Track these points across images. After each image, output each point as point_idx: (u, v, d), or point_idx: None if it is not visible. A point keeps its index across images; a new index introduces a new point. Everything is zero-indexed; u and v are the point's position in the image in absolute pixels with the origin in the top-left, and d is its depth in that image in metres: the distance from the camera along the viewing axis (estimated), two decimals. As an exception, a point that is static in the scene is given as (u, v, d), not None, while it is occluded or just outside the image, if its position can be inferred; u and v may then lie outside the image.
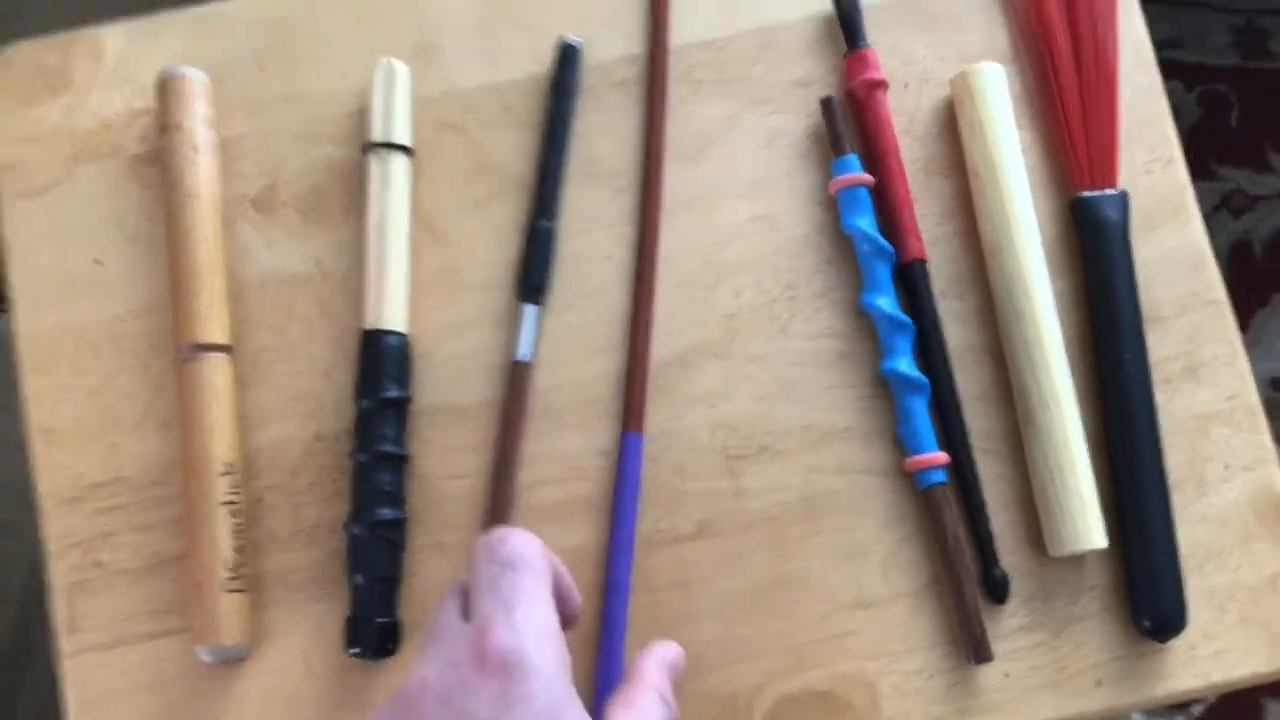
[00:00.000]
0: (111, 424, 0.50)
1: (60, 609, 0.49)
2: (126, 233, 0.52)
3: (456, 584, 0.39)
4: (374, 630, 0.47)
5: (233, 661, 0.48)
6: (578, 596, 0.40)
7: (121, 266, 0.51)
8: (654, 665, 0.39)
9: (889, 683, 0.48)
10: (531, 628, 0.34)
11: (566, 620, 0.40)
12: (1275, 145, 1.22)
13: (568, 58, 0.52)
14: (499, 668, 0.33)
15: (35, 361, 0.51)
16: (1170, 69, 1.24)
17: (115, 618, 0.49)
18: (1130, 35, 0.53)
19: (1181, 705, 1.10)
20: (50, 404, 0.50)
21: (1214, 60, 1.25)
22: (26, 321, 0.51)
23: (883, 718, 0.48)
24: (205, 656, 0.48)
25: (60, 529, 0.50)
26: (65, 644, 0.49)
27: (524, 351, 0.50)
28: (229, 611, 0.47)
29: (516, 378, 0.50)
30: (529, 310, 0.50)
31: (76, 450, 0.50)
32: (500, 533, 0.37)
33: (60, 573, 0.49)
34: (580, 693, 0.48)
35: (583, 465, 0.50)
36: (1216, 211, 1.19)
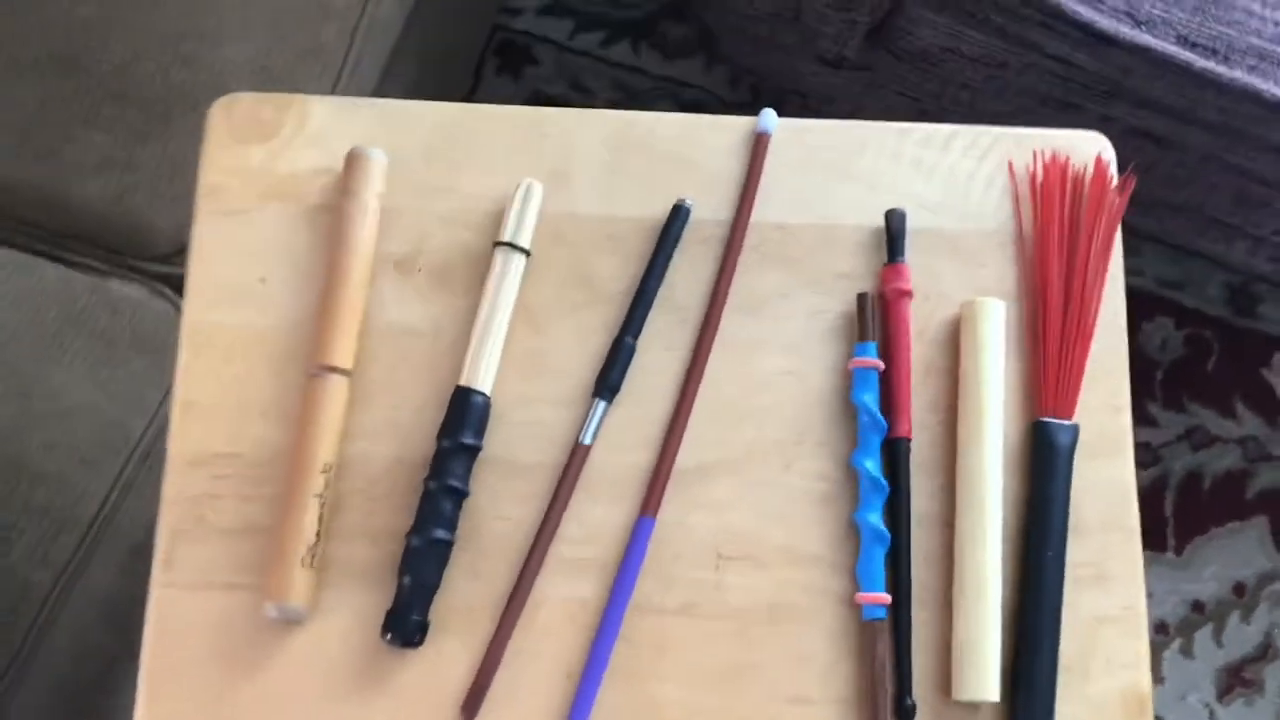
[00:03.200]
0: (241, 410, 0.62)
1: (162, 547, 0.60)
2: (291, 263, 0.64)
3: None
4: (409, 623, 0.59)
5: (290, 622, 0.60)
6: None
7: (281, 288, 0.64)
8: None
9: (804, 768, 0.59)
10: None
11: None
12: (1244, 397, 1.36)
13: (679, 215, 0.65)
14: None
15: (193, 345, 0.63)
16: (1166, 307, 1.38)
17: (204, 565, 0.60)
18: (1111, 301, 0.66)
19: None
20: (197, 381, 0.62)
21: (1206, 309, 1.39)
22: (194, 313, 0.63)
23: (792, 794, 0.59)
24: (271, 612, 0.59)
25: (179, 484, 0.61)
26: (159, 575, 0.60)
27: (588, 437, 0.62)
28: (300, 581, 0.58)
29: (576, 457, 0.62)
30: (600, 405, 0.62)
31: (208, 423, 0.62)
32: None
33: (170, 517, 0.61)
34: (559, 715, 0.59)
35: (601, 533, 0.62)
36: (1179, 440, 1.32)
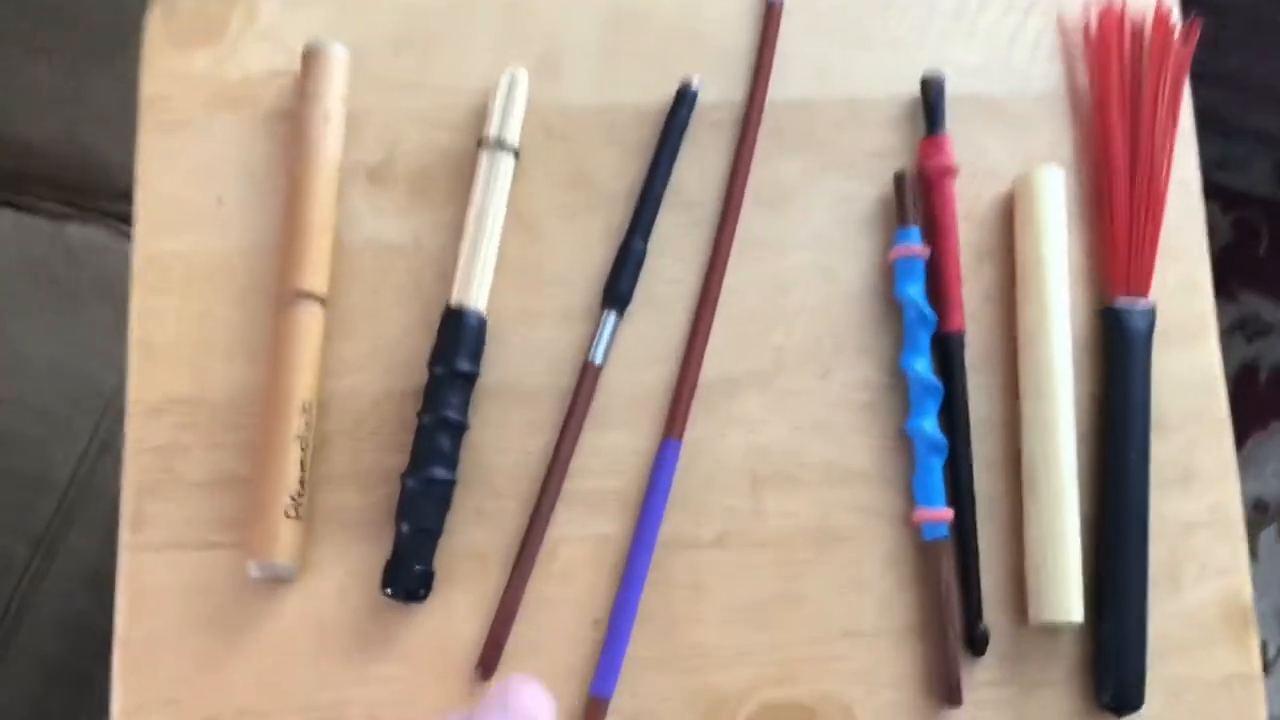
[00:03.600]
0: (205, 349, 0.55)
1: (129, 506, 0.54)
2: (249, 179, 0.57)
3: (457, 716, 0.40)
4: (411, 574, 0.52)
5: (277, 581, 0.53)
6: None
7: (240, 208, 0.56)
8: None
9: (864, 708, 0.53)
10: None
11: None
12: (1299, 282, 1.28)
13: (685, 99, 0.57)
14: None
15: (147, 280, 0.56)
16: (1210, 190, 1.29)
17: (177, 523, 0.54)
18: (1183, 163, 0.58)
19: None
20: (155, 320, 0.55)
21: (1253, 189, 1.30)
22: (145, 242, 0.56)
23: (853, 739, 0.53)
24: (255, 572, 0.52)
25: (141, 433, 0.54)
26: (128, 537, 0.53)
27: (598, 355, 0.55)
28: (285, 533, 0.52)
29: (586, 378, 0.54)
30: (610, 317, 0.55)
31: (169, 366, 0.55)
32: (516, 684, 0.38)
33: (134, 472, 0.54)
34: (584, 671, 0.52)
35: (621, 462, 0.55)
36: (1231, 332, 1.25)
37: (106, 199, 0.83)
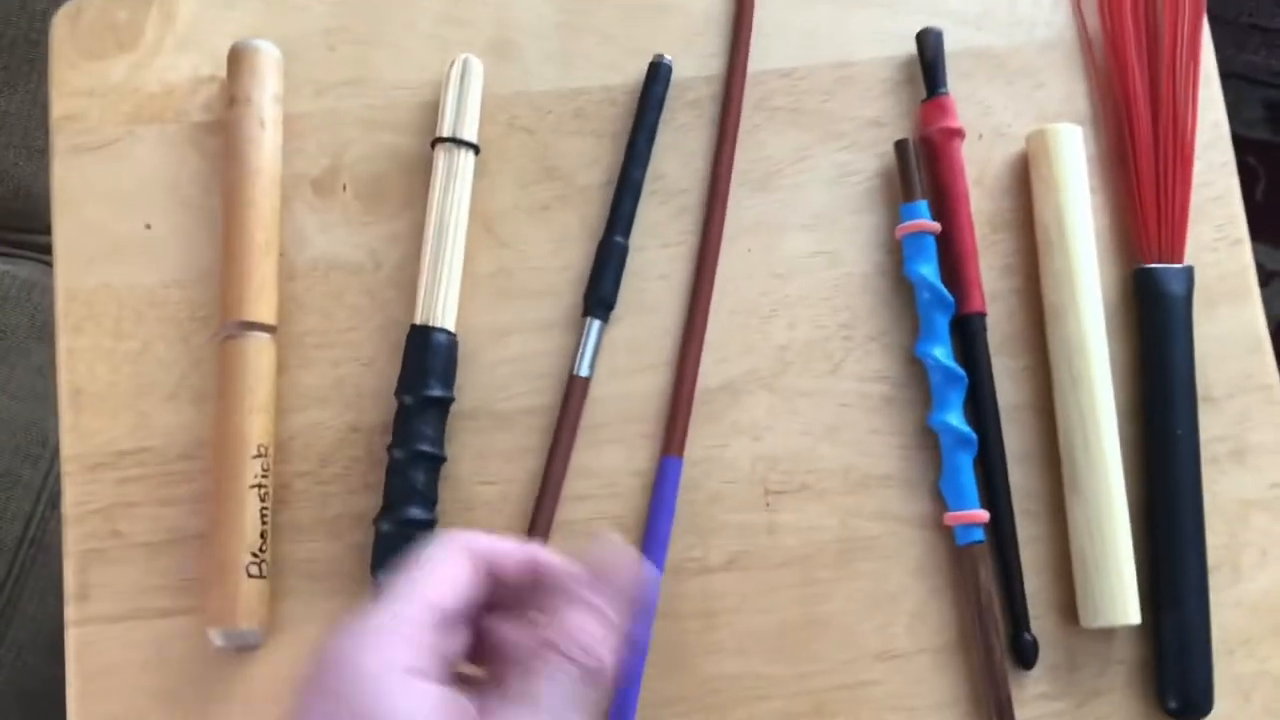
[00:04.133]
0: (144, 392, 0.49)
1: (71, 576, 0.48)
2: (180, 200, 0.51)
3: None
4: (393, 631, 0.46)
5: (244, 648, 0.47)
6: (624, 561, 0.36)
7: (171, 233, 0.50)
8: (567, 616, 0.34)
9: (906, 736, 0.48)
10: (372, 621, 0.33)
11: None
12: (1301, 226, 1.23)
13: (659, 75, 0.51)
14: (318, 666, 0.32)
15: (73, 320, 0.50)
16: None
17: (128, 590, 0.48)
18: (1209, 109, 0.53)
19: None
20: (85, 365, 0.49)
21: (1245, 132, 1.25)
22: (68, 277, 0.50)
23: (897, 771, 0.48)
24: (218, 640, 0.47)
25: (80, 494, 0.49)
26: (73, 612, 0.48)
27: (583, 368, 0.49)
28: (248, 596, 0.46)
29: (573, 393, 0.49)
30: (594, 325, 0.50)
31: (106, 415, 0.49)
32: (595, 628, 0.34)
33: (75, 539, 0.48)
34: (594, 714, 0.47)
35: (618, 484, 0.49)
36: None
37: (33, 232, 0.77)
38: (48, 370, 0.72)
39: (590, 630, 0.34)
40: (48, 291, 0.74)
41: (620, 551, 0.35)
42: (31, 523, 0.71)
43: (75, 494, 0.49)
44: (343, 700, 0.31)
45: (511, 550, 0.36)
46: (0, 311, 0.72)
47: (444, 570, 0.35)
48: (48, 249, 0.77)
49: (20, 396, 0.71)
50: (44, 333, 0.73)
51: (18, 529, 0.70)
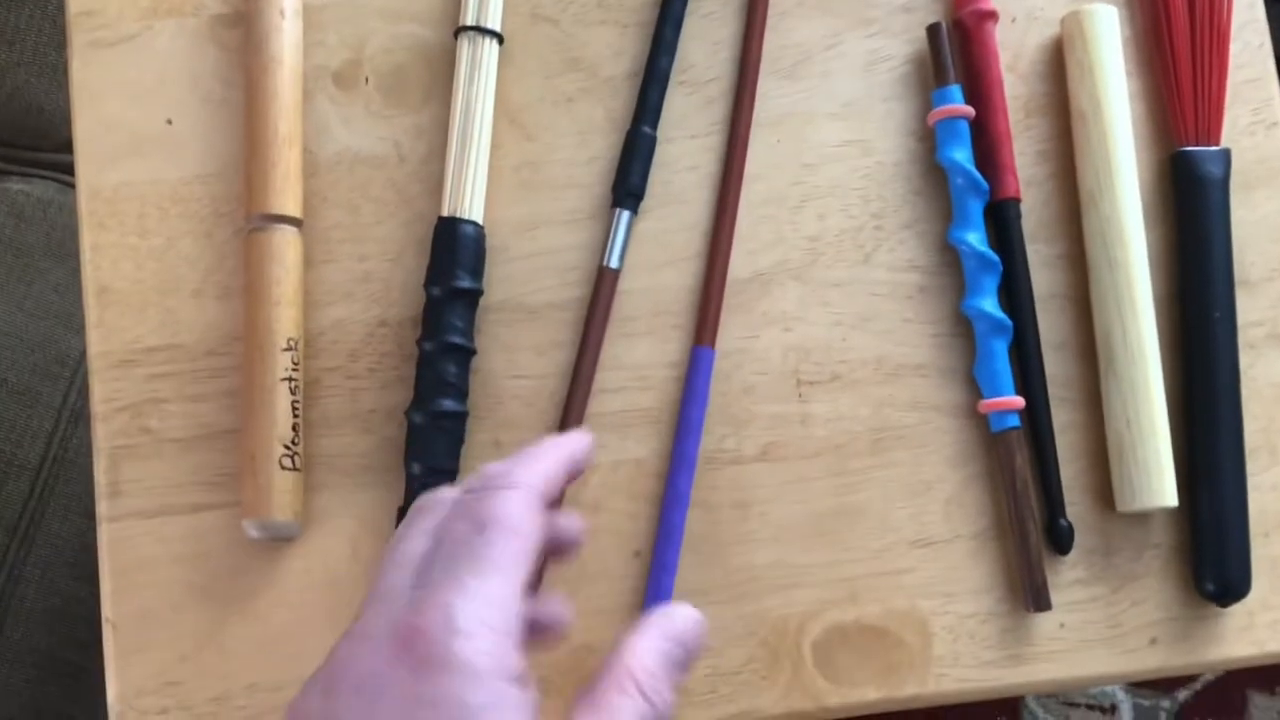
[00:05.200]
0: (171, 288, 0.49)
1: (102, 473, 0.48)
2: (200, 94, 0.50)
3: (428, 503, 0.33)
4: (428, 522, 0.46)
5: (279, 540, 0.47)
6: (578, 530, 0.36)
7: (192, 128, 0.50)
8: (643, 650, 0.30)
9: (942, 623, 0.48)
10: (475, 614, 0.28)
11: (563, 551, 0.35)
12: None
13: (684, -46, 0.50)
14: (419, 660, 0.28)
15: (96, 217, 0.49)
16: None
17: (160, 486, 0.48)
18: (1245, -8, 0.52)
19: (1167, 689, 1.11)
20: (110, 262, 0.49)
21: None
22: (89, 175, 0.49)
23: (933, 657, 0.48)
24: (253, 532, 0.46)
25: (109, 391, 0.48)
26: (105, 508, 0.48)
27: (614, 259, 0.49)
28: (283, 488, 0.46)
29: (603, 285, 0.48)
30: (623, 216, 0.49)
31: (132, 312, 0.49)
32: (486, 479, 0.30)
33: (105, 435, 0.48)
34: (629, 607, 0.47)
35: (649, 376, 0.49)
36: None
37: (47, 149, 0.76)
38: (65, 289, 0.72)
39: (663, 675, 0.30)
40: (64, 209, 0.73)
41: (688, 617, 0.32)
42: (53, 440, 0.70)
43: (103, 391, 0.48)
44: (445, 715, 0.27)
45: (558, 477, 0.33)
46: (16, 230, 0.71)
47: (529, 533, 0.31)
48: (62, 167, 0.77)
49: (38, 315, 0.71)
50: (60, 251, 0.72)
51: (39, 447, 0.70)
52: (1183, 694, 1.11)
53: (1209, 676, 1.10)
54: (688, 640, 0.31)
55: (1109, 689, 1.10)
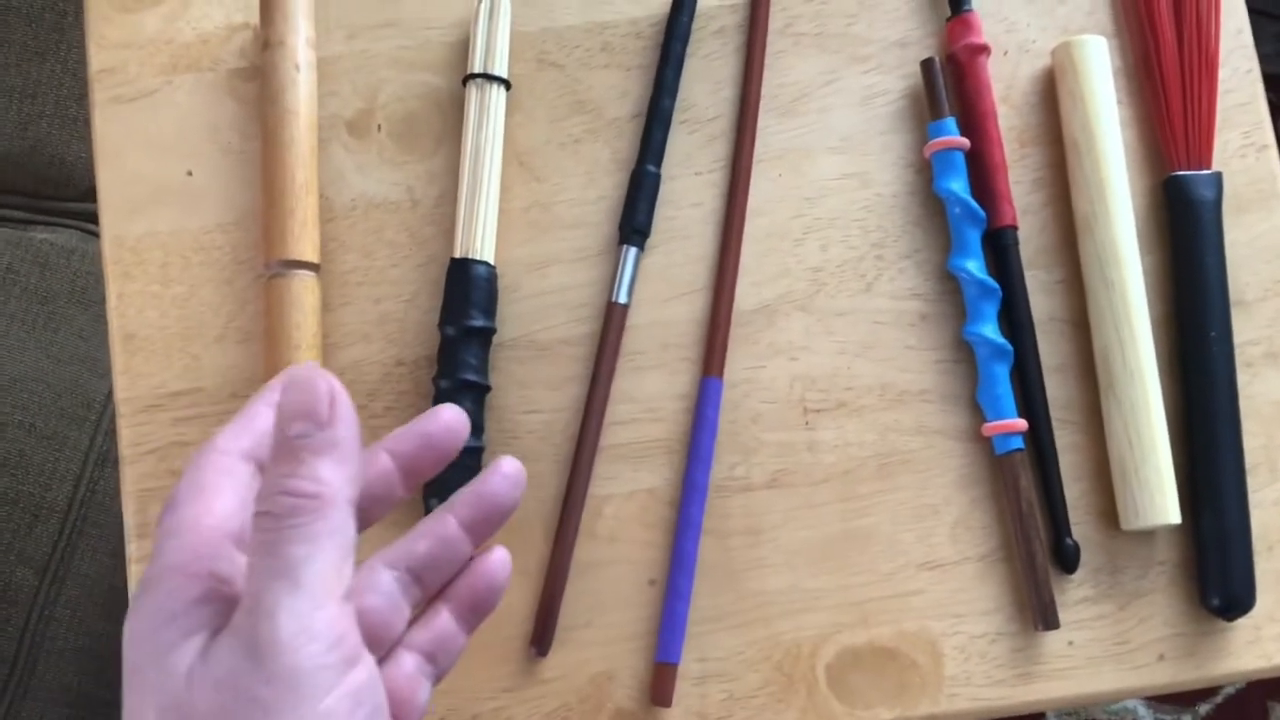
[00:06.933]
0: (194, 335, 0.50)
1: (131, 515, 0.49)
2: (219, 146, 0.52)
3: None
4: (447, 556, 0.47)
5: (303, 578, 0.49)
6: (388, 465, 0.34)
7: (212, 179, 0.51)
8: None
9: (952, 644, 0.49)
10: (302, 618, 0.27)
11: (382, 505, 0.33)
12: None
13: (684, 4, 0.52)
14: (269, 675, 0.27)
15: (121, 267, 0.51)
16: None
17: (187, 527, 0.49)
18: (1232, 16, 0.53)
19: (1188, 703, 1.11)
20: (135, 310, 0.50)
21: (1263, 66, 1.25)
22: (113, 227, 0.51)
23: (945, 677, 0.48)
24: (277, 571, 0.48)
25: (136, 435, 0.50)
26: (135, 549, 0.49)
27: (622, 295, 0.50)
28: (305, 527, 0.47)
29: (612, 320, 0.50)
30: (630, 253, 0.50)
31: (157, 358, 0.50)
32: (290, 468, 0.28)
33: (133, 478, 0.50)
34: (646, 635, 0.48)
35: (660, 408, 0.50)
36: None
37: (68, 199, 0.78)
38: (89, 334, 0.74)
39: (289, 469, 0.28)
40: (86, 257, 0.75)
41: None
42: (81, 483, 0.72)
43: (130, 435, 0.50)
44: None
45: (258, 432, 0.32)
46: (41, 278, 0.73)
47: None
48: (84, 216, 0.79)
49: (64, 360, 0.73)
50: (84, 297, 0.74)
51: (68, 489, 0.72)
52: (1204, 707, 1.11)
53: (1230, 689, 1.10)
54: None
55: (1130, 704, 1.10)
